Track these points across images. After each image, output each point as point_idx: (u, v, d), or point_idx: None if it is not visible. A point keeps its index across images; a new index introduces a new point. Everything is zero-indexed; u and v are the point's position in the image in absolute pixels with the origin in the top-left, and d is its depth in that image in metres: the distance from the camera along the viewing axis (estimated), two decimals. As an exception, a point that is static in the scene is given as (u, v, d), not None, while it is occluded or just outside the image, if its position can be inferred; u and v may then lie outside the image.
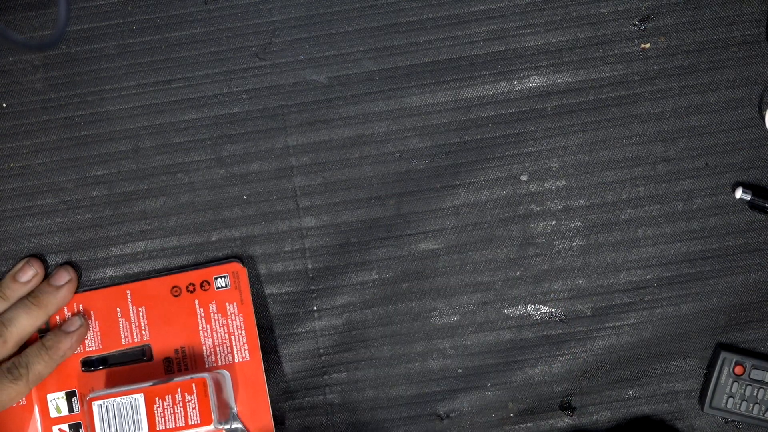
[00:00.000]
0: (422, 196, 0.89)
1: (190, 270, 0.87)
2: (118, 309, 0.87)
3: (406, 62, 0.89)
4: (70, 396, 0.87)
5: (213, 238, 0.89)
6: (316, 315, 0.90)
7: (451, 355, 0.90)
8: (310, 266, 0.90)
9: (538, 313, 0.90)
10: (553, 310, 0.90)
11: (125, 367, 0.87)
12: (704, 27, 0.89)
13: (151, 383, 0.83)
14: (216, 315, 0.87)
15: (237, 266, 0.87)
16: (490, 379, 0.90)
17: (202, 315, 0.87)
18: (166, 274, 0.87)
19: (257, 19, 0.88)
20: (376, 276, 0.90)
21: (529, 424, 0.91)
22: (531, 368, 0.90)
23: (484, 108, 0.89)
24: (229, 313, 0.87)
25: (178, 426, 0.82)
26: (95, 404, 0.82)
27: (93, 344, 0.87)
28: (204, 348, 0.86)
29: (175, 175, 0.89)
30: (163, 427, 0.82)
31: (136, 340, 0.87)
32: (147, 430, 0.82)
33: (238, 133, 0.89)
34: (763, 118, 0.89)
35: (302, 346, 0.90)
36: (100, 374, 0.87)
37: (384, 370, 0.90)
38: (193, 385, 0.82)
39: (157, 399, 0.82)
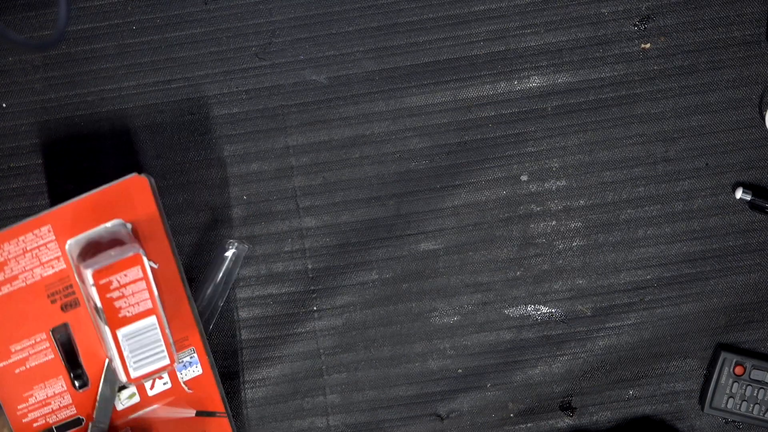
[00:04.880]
0: (422, 196, 0.89)
1: None
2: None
3: (406, 62, 0.89)
4: (121, 388, 0.86)
5: (213, 238, 0.89)
6: (316, 315, 0.90)
7: (451, 355, 0.90)
8: (310, 266, 0.90)
9: (538, 313, 0.90)
10: (553, 311, 0.90)
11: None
12: (704, 27, 0.89)
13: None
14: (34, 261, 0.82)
15: None
16: (490, 379, 0.90)
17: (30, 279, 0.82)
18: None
19: (257, 19, 0.88)
20: (376, 276, 0.90)
21: (529, 424, 0.91)
22: (531, 368, 0.90)
23: (484, 108, 0.89)
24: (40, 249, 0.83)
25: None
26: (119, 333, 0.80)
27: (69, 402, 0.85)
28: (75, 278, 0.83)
29: (174, 175, 0.89)
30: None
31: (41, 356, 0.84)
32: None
33: (238, 133, 0.89)
34: (763, 118, 0.89)
35: (302, 346, 0.90)
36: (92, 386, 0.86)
37: (384, 370, 0.90)
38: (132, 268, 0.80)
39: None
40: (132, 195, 0.82)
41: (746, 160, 0.89)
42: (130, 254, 0.78)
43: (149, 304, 0.79)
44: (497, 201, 0.90)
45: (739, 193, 0.88)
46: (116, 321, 0.79)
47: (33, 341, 0.83)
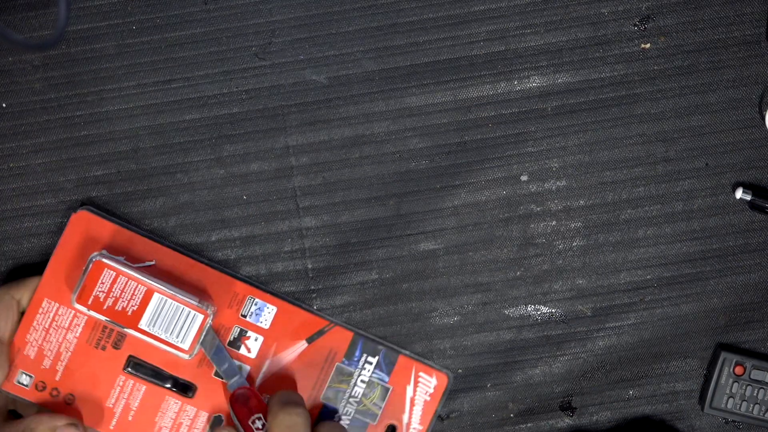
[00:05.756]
0: (422, 196, 0.89)
1: None
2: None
3: (406, 62, 0.89)
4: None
5: (213, 238, 0.89)
6: (316, 315, 0.90)
7: (451, 356, 0.90)
8: (310, 266, 0.90)
9: (538, 313, 0.90)
10: (553, 311, 0.90)
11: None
12: (704, 27, 0.89)
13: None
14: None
15: None
16: (490, 379, 0.90)
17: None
18: None
19: (257, 19, 0.88)
20: (376, 276, 0.90)
21: (529, 425, 0.91)
22: (531, 368, 0.90)
23: (484, 108, 0.89)
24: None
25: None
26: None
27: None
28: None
29: (174, 175, 0.89)
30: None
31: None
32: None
33: (238, 133, 0.89)
34: (763, 118, 0.89)
35: (302, 346, 0.90)
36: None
37: (384, 371, 0.90)
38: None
39: None
40: (86, 229, 0.85)
41: (746, 160, 0.89)
42: (90, 265, 0.81)
43: (143, 289, 0.81)
44: (497, 201, 0.90)
45: (739, 193, 0.88)
46: (131, 320, 0.81)
47: (118, 387, 0.84)
